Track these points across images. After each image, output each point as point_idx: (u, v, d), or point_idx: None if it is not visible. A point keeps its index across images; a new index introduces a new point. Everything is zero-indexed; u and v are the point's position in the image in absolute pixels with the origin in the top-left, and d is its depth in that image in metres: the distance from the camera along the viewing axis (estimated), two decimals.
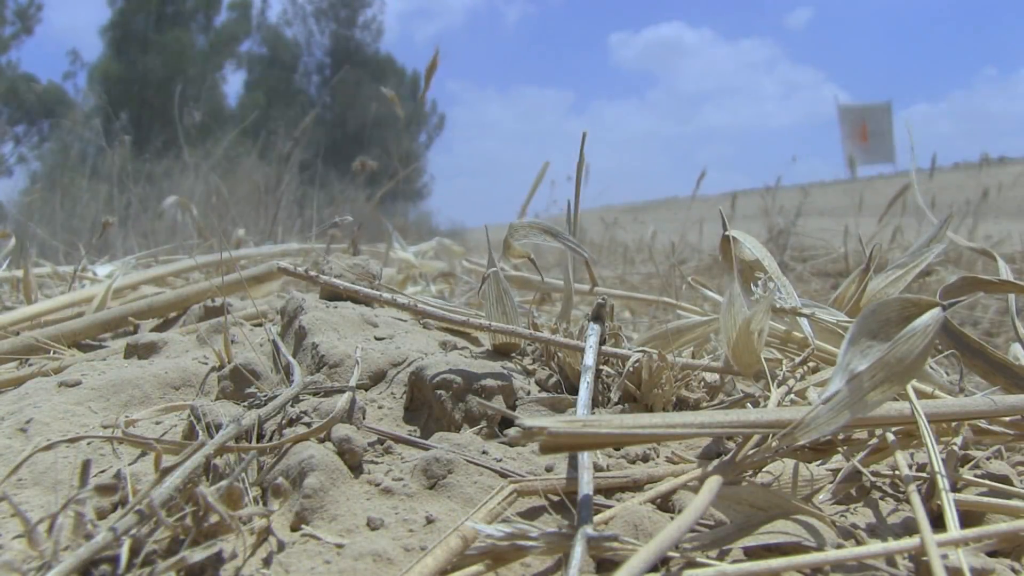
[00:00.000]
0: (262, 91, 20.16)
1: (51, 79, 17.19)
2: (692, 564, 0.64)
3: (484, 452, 0.85)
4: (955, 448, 0.92)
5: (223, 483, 0.68)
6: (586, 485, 0.71)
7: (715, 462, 0.78)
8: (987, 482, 0.87)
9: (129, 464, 0.87)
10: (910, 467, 0.87)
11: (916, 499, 0.71)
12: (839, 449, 0.94)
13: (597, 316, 1.06)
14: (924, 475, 0.82)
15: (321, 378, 1.03)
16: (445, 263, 2.63)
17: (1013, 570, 0.72)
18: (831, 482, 0.89)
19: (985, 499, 0.82)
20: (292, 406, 0.93)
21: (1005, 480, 0.88)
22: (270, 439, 0.88)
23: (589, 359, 0.97)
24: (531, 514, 0.76)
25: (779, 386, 0.97)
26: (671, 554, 0.65)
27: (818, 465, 0.93)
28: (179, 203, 2.85)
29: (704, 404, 1.08)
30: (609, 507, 0.76)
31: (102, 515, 0.78)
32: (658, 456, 0.93)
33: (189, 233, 2.89)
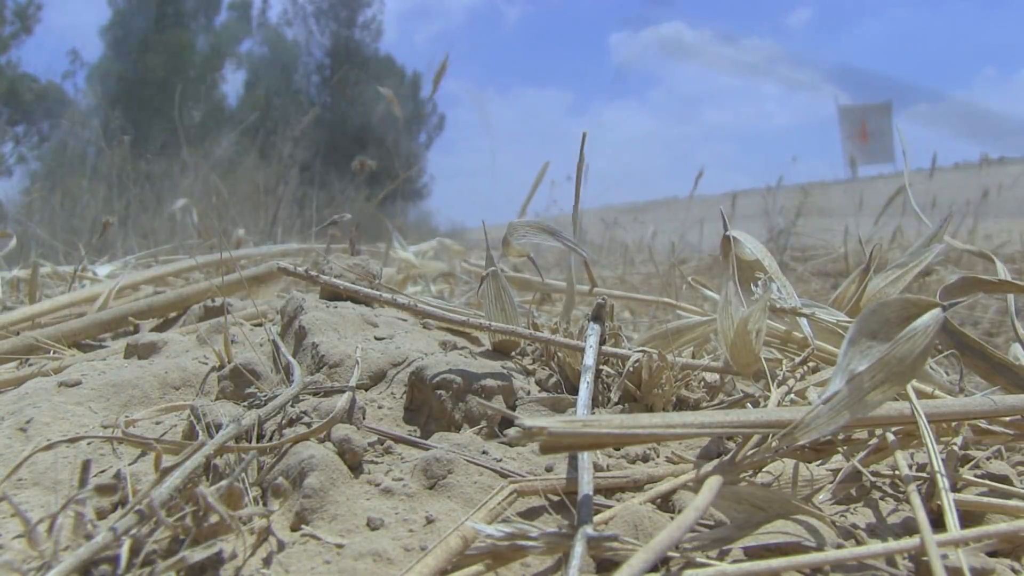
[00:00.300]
0: (262, 91, 20.19)
1: (51, 79, 17.17)
2: (692, 564, 0.64)
3: (484, 452, 0.85)
4: (955, 448, 0.92)
5: (223, 483, 0.68)
6: (586, 485, 0.71)
7: (715, 462, 0.78)
8: (987, 482, 0.87)
9: (129, 464, 0.88)
10: (910, 467, 0.87)
11: (916, 499, 0.71)
12: (839, 449, 0.94)
13: (597, 316, 1.06)
14: (924, 475, 0.83)
15: (321, 378, 1.03)
16: (445, 263, 2.63)
17: (1013, 570, 0.72)
18: (831, 482, 0.89)
19: (985, 499, 0.82)
20: (292, 406, 0.93)
21: (1005, 480, 0.88)
22: (270, 439, 0.88)
23: (589, 359, 0.97)
24: (531, 514, 0.76)
25: (779, 386, 0.97)
26: (671, 554, 0.65)
27: (818, 465, 0.93)
28: (187, 206, 2.84)
29: (704, 404, 1.08)
30: (609, 507, 0.76)
31: (102, 515, 0.78)
32: (658, 456, 0.93)
33: (189, 233, 2.88)
